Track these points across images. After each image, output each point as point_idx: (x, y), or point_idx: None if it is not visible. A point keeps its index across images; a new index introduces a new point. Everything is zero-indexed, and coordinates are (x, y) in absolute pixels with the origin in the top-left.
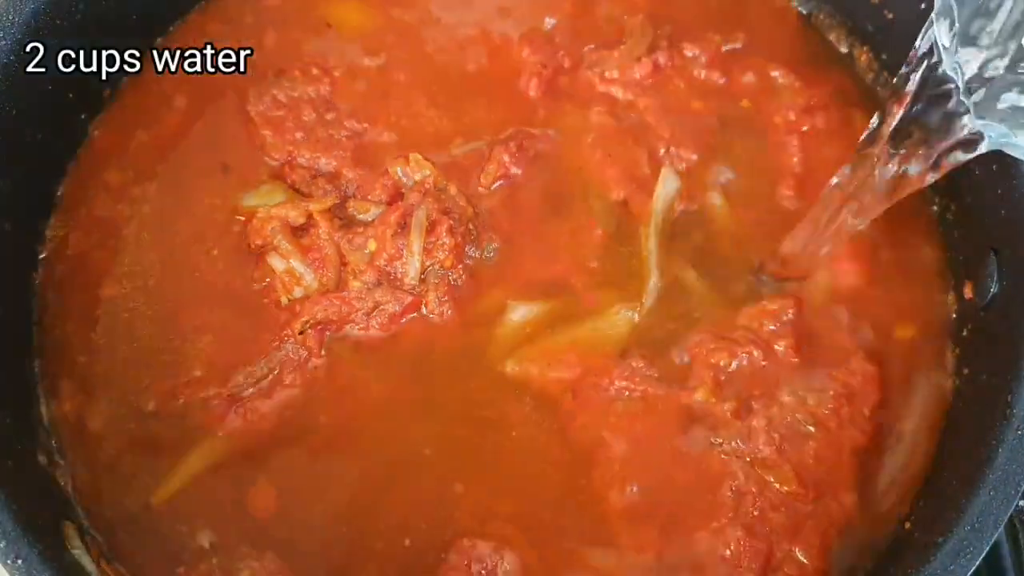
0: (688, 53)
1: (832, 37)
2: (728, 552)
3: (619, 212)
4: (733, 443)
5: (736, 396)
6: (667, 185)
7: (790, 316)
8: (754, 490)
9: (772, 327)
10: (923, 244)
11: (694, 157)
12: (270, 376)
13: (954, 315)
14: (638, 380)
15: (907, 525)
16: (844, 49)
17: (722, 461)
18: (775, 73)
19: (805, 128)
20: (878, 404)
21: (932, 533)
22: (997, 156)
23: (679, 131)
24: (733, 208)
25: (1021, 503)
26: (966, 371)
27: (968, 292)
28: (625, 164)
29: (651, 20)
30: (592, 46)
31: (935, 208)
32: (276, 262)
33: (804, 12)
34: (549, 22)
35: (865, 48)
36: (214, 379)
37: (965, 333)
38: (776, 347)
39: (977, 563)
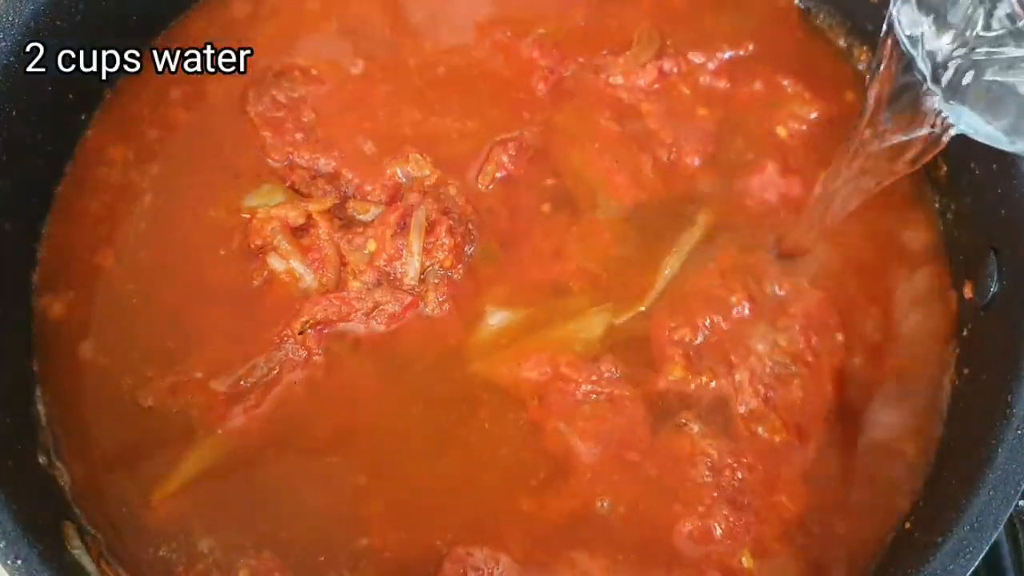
0: (695, 60)
1: (831, 37)
2: (719, 532)
3: (627, 217)
4: (697, 425)
5: (710, 368)
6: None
7: (734, 267)
8: (730, 461)
9: (719, 282)
10: (923, 244)
11: (697, 161)
12: (270, 376)
13: (954, 315)
14: (604, 382)
15: (907, 525)
16: (843, 47)
17: (692, 441)
18: (784, 82)
19: (811, 135)
20: (840, 323)
21: (932, 533)
22: (997, 156)
23: (682, 136)
24: (740, 215)
25: (1021, 503)
26: (966, 371)
27: (968, 292)
28: (631, 170)
29: (658, 27)
30: (604, 52)
31: (935, 208)
32: (276, 262)
33: (803, 7)
34: (556, 27)
35: (865, 48)
36: (214, 378)
37: (965, 333)
38: (731, 301)
39: (977, 563)
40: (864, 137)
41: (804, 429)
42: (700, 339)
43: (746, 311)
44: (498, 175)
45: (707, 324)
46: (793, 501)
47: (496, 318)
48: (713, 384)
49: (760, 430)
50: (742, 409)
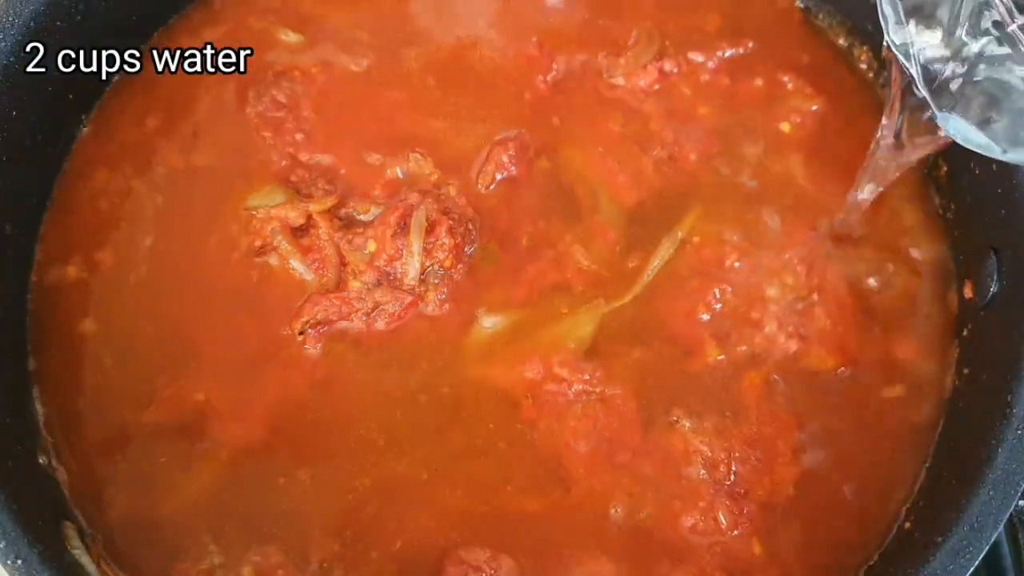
0: (695, 59)
1: (832, 36)
2: (724, 523)
3: (628, 217)
4: (688, 422)
5: (742, 338)
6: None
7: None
8: (723, 456)
9: (710, 251)
10: (923, 244)
11: (699, 160)
12: (271, 375)
13: (954, 315)
14: (595, 381)
15: (907, 525)
16: (843, 47)
17: (685, 439)
18: (784, 78)
19: (814, 129)
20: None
21: (932, 533)
22: None
23: (683, 136)
24: (741, 210)
25: (1021, 503)
26: (966, 371)
27: (968, 292)
28: (633, 170)
29: (658, 27)
30: (605, 53)
31: (935, 208)
32: (276, 263)
33: (803, 7)
34: (557, 27)
35: (865, 48)
36: (214, 380)
37: (965, 333)
38: (726, 264)
39: (977, 563)
40: (884, 138)
41: (847, 349)
42: (718, 310)
43: (738, 264)
44: (498, 175)
45: (716, 295)
46: (791, 472)
47: (490, 322)
48: (744, 348)
49: (813, 366)
50: (789, 352)
